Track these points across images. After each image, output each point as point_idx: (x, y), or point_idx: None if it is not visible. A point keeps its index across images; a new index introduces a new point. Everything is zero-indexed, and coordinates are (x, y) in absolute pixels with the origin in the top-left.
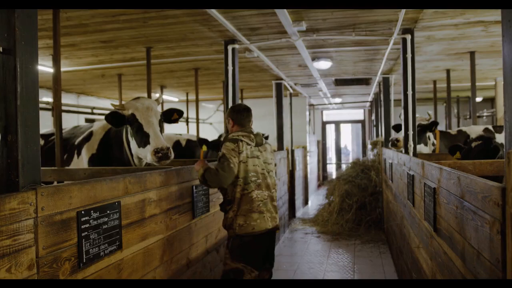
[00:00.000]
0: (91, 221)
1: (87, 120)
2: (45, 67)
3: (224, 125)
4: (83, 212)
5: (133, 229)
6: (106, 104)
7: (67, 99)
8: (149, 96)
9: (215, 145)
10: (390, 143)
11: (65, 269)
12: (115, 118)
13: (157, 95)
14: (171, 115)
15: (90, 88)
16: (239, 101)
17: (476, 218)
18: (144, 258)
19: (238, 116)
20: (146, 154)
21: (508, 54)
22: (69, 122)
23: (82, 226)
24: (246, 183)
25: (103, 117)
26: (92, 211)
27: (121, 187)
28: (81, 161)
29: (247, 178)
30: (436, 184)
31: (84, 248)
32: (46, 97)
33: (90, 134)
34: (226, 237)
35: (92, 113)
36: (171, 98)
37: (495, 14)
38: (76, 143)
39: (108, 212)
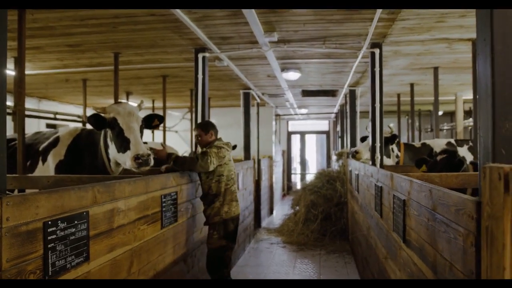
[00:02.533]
0: (58, 232)
1: (48, 126)
2: (7, 69)
3: (190, 133)
4: (50, 222)
5: (101, 240)
6: (69, 109)
7: (27, 103)
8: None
9: None
10: (350, 155)
11: None
12: (97, 120)
13: (135, 101)
14: (152, 121)
15: (53, 92)
16: (208, 110)
17: (449, 231)
18: (111, 270)
19: (216, 130)
20: (125, 160)
21: (482, 71)
22: (29, 127)
23: (49, 237)
24: (229, 179)
25: (66, 123)
26: (59, 222)
27: (90, 196)
28: (46, 168)
29: (229, 176)
30: (406, 196)
31: (50, 260)
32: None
33: (57, 140)
34: (193, 248)
35: (55, 119)
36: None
37: (459, 32)
38: (40, 149)
39: (76, 222)
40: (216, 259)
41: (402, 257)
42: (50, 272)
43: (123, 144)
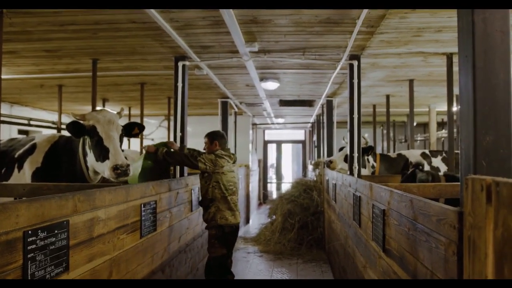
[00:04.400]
0: (38, 241)
1: (20, 132)
2: None
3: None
4: (30, 232)
5: (81, 249)
6: (42, 115)
7: None
8: (93, 109)
9: None
10: (325, 164)
11: None
12: (76, 128)
13: (114, 108)
14: (132, 130)
15: (26, 98)
16: (187, 118)
17: (430, 240)
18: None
19: (222, 141)
20: (103, 169)
21: (464, 86)
22: (1, 133)
23: (29, 247)
24: (226, 189)
25: (39, 129)
26: (39, 231)
27: (70, 205)
28: (23, 176)
29: (226, 185)
30: (386, 206)
31: (29, 270)
32: None
33: (33, 147)
34: (171, 257)
35: (29, 125)
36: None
37: (435, 46)
38: (16, 156)
39: (56, 231)
40: (219, 267)
41: (382, 265)
42: None
43: (102, 153)
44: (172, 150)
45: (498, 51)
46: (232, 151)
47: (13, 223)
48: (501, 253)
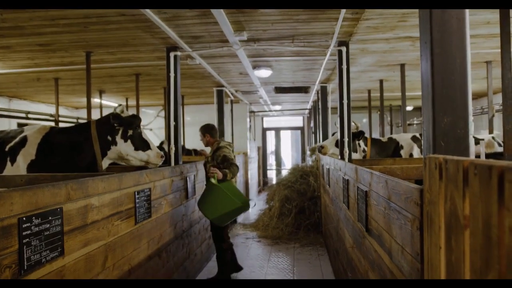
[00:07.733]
0: (32, 227)
1: (20, 125)
2: None
3: (165, 131)
4: (24, 218)
5: (75, 235)
6: (41, 108)
7: None
8: (89, 101)
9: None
10: (317, 150)
11: (6, 276)
12: (119, 119)
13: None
14: None
15: (24, 91)
16: (181, 108)
17: (401, 217)
18: (86, 264)
19: (212, 132)
20: (146, 157)
21: (425, 71)
22: (0, 127)
23: (24, 233)
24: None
25: (38, 122)
26: (33, 218)
27: (63, 193)
28: (16, 169)
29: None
30: (368, 187)
31: (25, 255)
32: None
33: (24, 139)
34: (167, 243)
35: (27, 118)
36: (110, 103)
37: None
38: (6, 149)
39: (50, 218)
40: (215, 234)
41: (365, 245)
42: (25, 267)
43: (144, 145)
44: (230, 174)
45: (455, 37)
46: (229, 139)
47: (7, 210)
48: (449, 225)
